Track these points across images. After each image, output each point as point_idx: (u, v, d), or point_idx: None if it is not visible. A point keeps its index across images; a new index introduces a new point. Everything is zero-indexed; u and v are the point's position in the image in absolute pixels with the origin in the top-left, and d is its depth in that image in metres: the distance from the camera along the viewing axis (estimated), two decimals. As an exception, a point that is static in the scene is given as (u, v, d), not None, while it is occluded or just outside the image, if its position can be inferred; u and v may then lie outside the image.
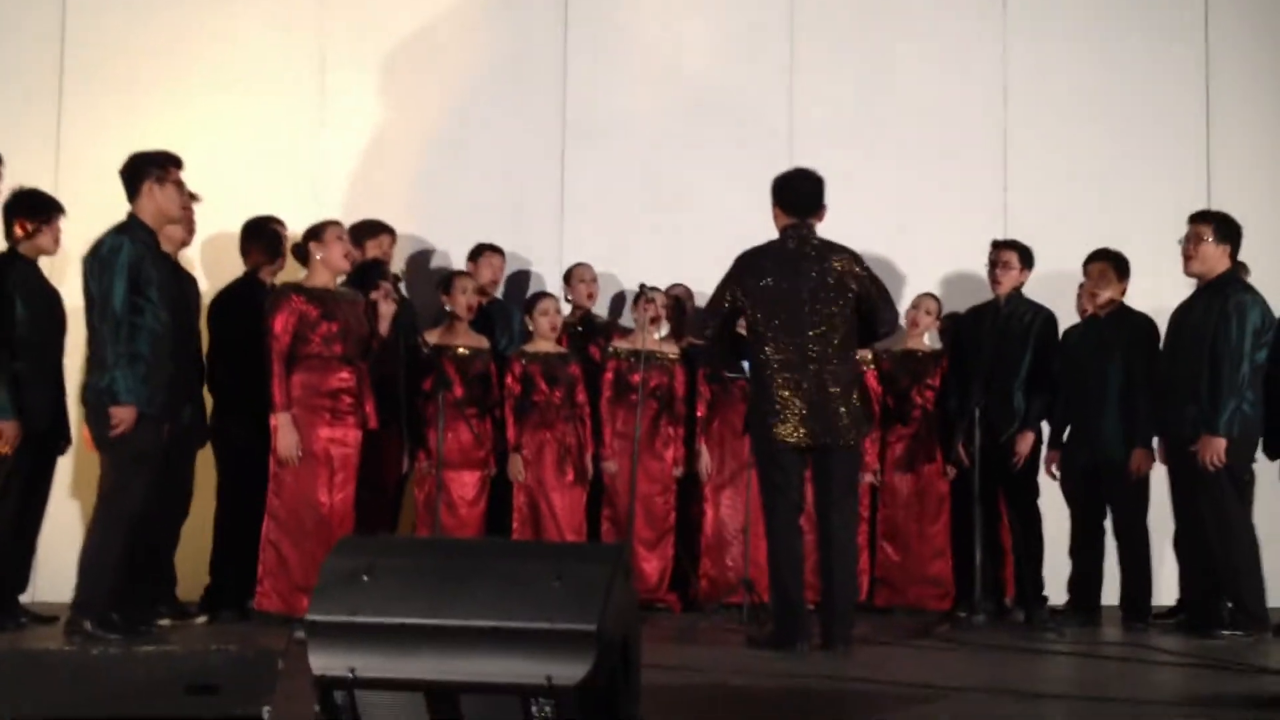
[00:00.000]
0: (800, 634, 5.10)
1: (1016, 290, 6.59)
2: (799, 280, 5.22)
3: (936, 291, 7.30)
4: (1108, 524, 6.47)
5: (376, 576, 3.01)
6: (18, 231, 5.74)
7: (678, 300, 7.10)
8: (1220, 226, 5.98)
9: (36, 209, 5.77)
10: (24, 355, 5.62)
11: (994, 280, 6.61)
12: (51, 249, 5.81)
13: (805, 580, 5.29)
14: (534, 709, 2.88)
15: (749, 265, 5.31)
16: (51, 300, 5.81)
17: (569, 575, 2.96)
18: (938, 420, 6.81)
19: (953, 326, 6.98)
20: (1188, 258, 6.03)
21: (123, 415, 5.14)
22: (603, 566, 3.05)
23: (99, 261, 5.20)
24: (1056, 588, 6.54)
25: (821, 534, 5.26)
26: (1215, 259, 5.98)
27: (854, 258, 5.31)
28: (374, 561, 3.05)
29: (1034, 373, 6.50)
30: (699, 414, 6.86)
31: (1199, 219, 6.07)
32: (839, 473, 5.25)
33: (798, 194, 5.35)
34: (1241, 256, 6.09)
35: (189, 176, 5.80)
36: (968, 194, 7.65)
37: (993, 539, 6.43)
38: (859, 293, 5.26)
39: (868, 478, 6.76)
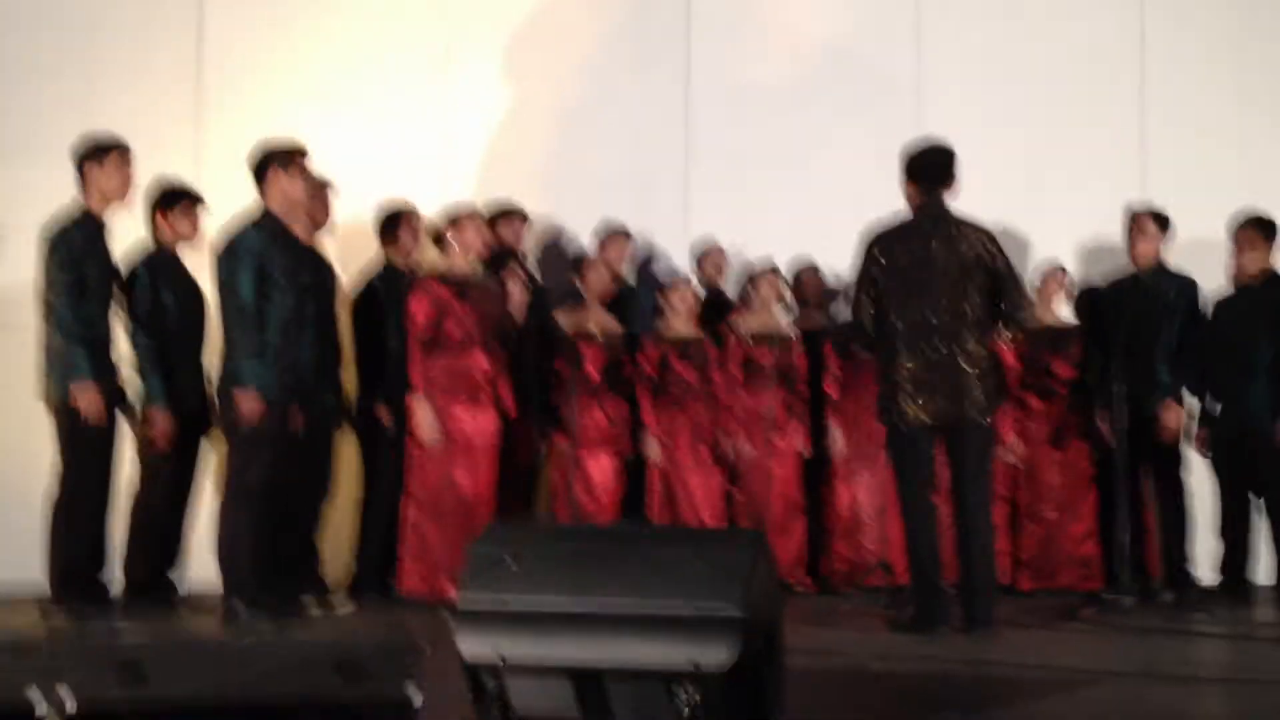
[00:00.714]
0: (941, 616, 5.04)
1: (1157, 258, 6.41)
2: (928, 255, 5.14)
3: (1071, 259, 7.15)
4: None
5: (522, 562, 3.03)
6: (159, 223, 5.89)
7: (802, 277, 7.02)
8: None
9: (175, 200, 5.92)
10: (170, 343, 5.77)
11: (1132, 249, 6.44)
12: (192, 239, 5.95)
13: (943, 561, 5.22)
14: (680, 695, 2.88)
15: (877, 241, 5.26)
16: (194, 290, 5.95)
17: (711, 560, 2.95)
18: (1079, 395, 6.63)
19: (1089, 299, 6.80)
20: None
21: (251, 401, 5.26)
22: (744, 550, 3.03)
23: (227, 252, 5.35)
24: (1207, 568, 6.34)
25: (957, 514, 5.18)
26: (1373, 223, 5.75)
27: (986, 235, 5.20)
28: (518, 547, 3.08)
29: (1179, 345, 6.31)
30: (830, 392, 6.79)
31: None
32: (971, 451, 5.17)
33: (926, 166, 5.27)
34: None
35: (323, 165, 5.91)
36: (1103, 157, 7.45)
37: (1138, 518, 6.26)
38: (989, 270, 5.15)
39: (1006, 456, 6.61)
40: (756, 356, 6.66)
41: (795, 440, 6.74)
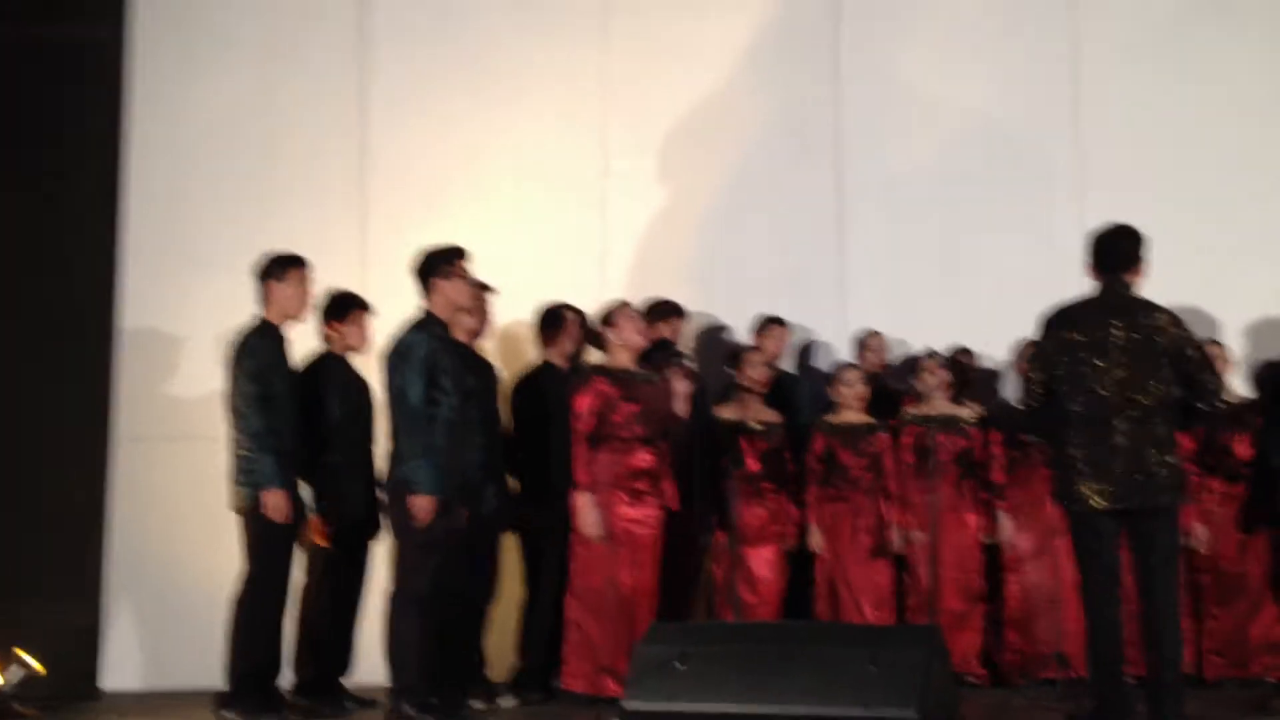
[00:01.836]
0: (1125, 711, 4.85)
1: (1334, 330, 6.20)
2: (1108, 335, 5.02)
3: (1247, 340, 6.92)
4: None
5: (690, 664, 3.02)
6: (329, 332, 6.08)
7: (959, 363, 6.91)
8: None
9: (345, 309, 6.10)
10: (339, 448, 5.91)
11: (1302, 327, 6.25)
12: (361, 346, 6.11)
13: (1125, 654, 5.03)
14: (857, 799, 2.82)
15: (1056, 321, 5.15)
16: (363, 394, 6.08)
17: (885, 660, 2.91)
18: (1262, 474, 6.37)
19: (1272, 374, 6.55)
20: None
21: (422, 505, 5.33)
22: (919, 650, 2.97)
23: (396, 357, 5.44)
24: None
25: (1143, 603, 4.98)
26: None
27: (1174, 319, 5.06)
28: (686, 648, 3.07)
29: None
30: (997, 479, 6.64)
31: None
32: (1159, 537, 4.98)
33: (1107, 249, 5.18)
34: None
35: (485, 269, 6.03)
36: (1276, 235, 7.20)
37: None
38: (1174, 355, 5.00)
39: (1190, 542, 6.33)
40: (931, 443, 6.53)
41: (973, 528, 6.59)
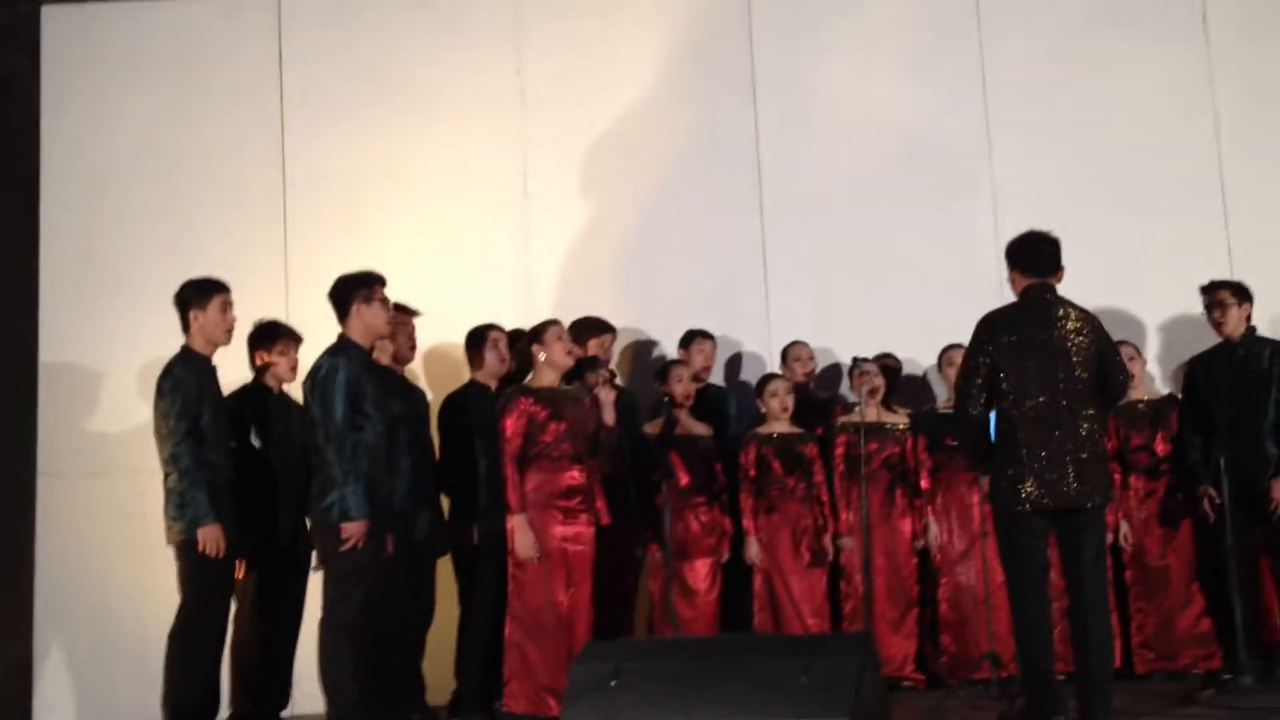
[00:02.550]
0: (1056, 708, 4.93)
1: (1248, 327, 6.31)
2: (1041, 339, 5.12)
3: (1161, 339, 7.06)
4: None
5: (625, 681, 3.04)
6: (258, 361, 6.03)
7: (887, 370, 6.99)
8: None
9: (272, 338, 6.06)
10: (267, 479, 5.85)
11: (1216, 324, 6.36)
12: (289, 377, 6.06)
13: (1055, 651, 5.11)
14: (794, 809, 2.85)
15: (994, 324, 5.22)
16: (293, 423, 6.01)
17: (817, 669, 2.94)
18: (1180, 470, 6.51)
19: (1190, 372, 6.71)
20: None
21: (354, 530, 5.27)
22: (850, 658, 3.02)
23: (318, 385, 5.38)
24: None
25: (1074, 601, 5.07)
26: None
27: (1092, 318, 5.19)
28: (621, 665, 3.09)
29: (1280, 414, 6.17)
30: (923, 485, 6.72)
31: None
32: (1089, 536, 5.08)
33: (1034, 256, 5.28)
34: None
35: (410, 292, 6.02)
36: (1185, 235, 7.35)
37: (1254, 593, 6.09)
38: (1097, 354, 5.12)
39: (1109, 537, 6.47)
40: (858, 451, 6.57)
41: (906, 533, 6.66)
